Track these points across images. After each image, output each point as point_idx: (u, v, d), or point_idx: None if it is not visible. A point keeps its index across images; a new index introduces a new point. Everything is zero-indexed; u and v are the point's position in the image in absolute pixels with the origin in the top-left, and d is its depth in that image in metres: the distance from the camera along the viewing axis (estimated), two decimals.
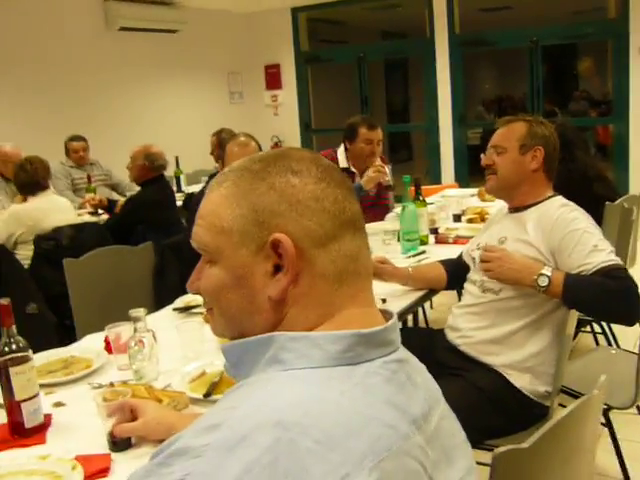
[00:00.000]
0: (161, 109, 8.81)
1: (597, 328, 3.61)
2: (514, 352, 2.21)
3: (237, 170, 0.93)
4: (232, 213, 0.89)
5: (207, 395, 1.76)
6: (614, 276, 2.01)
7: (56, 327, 3.64)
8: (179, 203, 5.33)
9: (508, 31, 9.59)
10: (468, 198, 4.71)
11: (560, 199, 2.30)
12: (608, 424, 2.34)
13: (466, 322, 2.34)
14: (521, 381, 2.18)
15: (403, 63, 14.33)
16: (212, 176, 4.84)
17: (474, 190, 4.96)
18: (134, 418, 1.57)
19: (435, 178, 9.21)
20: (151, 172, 4.56)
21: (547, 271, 2.06)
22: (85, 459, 1.50)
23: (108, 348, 2.14)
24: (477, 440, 2.02)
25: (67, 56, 7.57)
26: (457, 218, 4.11)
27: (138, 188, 4.81)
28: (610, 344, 3.52)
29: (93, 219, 4.93)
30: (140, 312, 1.92)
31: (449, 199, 4.49)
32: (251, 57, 10.30)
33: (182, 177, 6.39)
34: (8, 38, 6.83)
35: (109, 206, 5.31)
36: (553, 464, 1.31)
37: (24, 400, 1.65)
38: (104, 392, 1.65)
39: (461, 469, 0.94)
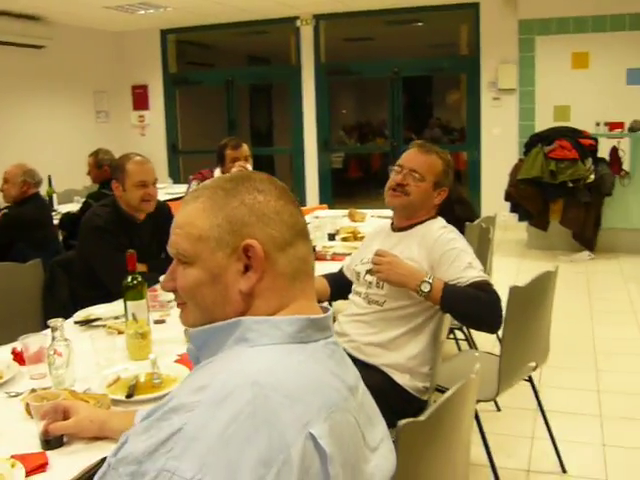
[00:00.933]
0: (26, 126, 8.59)
1: (459, 335, 3.99)
2: (396, 354, 2.48)
3: (211, 188, 1.12)
4: (210, 223, 1.09)
5: (129, 396, 1.90)
6: (484, 289, 2.35)
7: None
8: (55, 221, 5.29)
9: (372, 62, 10.15)
10: (340, 219, 5.03)
11: (440, 220, 2.63)
12: (475, 417, 2.65)
13: (353, 329, 2.59)
14: (402, 379, 2.46)
15: (267, 88, 14.63)
16: (92, 196, 4.88)
17: (345, 211, 5.31)
18: (65, 418, 1.68)
19: (300, 200, 9.53)
20: (32, 188, 4.56)
21: (429, 279, 2.35)
22: (22, 457, 1.59)
23: (18, 359, 2.21)
24: None
25: None
26: (331, 237, 4.41)
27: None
28: (472, 348, 3.91)
29: None
30: (58, 321, 2.03)
31: (323, 219, 4.79)
32: (118, 77, 10.24)
33: (54, 196, 6.32)
34: None
35: None
36: (445, 434, 1.58)
37: None
38: (32, 397, 1.75)
39: (381, 432, 1.19)
